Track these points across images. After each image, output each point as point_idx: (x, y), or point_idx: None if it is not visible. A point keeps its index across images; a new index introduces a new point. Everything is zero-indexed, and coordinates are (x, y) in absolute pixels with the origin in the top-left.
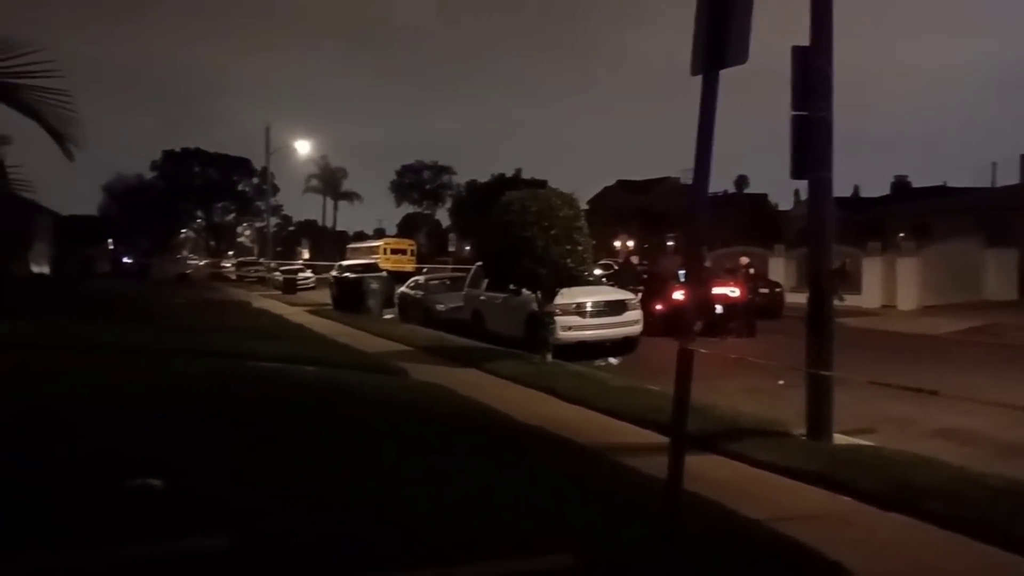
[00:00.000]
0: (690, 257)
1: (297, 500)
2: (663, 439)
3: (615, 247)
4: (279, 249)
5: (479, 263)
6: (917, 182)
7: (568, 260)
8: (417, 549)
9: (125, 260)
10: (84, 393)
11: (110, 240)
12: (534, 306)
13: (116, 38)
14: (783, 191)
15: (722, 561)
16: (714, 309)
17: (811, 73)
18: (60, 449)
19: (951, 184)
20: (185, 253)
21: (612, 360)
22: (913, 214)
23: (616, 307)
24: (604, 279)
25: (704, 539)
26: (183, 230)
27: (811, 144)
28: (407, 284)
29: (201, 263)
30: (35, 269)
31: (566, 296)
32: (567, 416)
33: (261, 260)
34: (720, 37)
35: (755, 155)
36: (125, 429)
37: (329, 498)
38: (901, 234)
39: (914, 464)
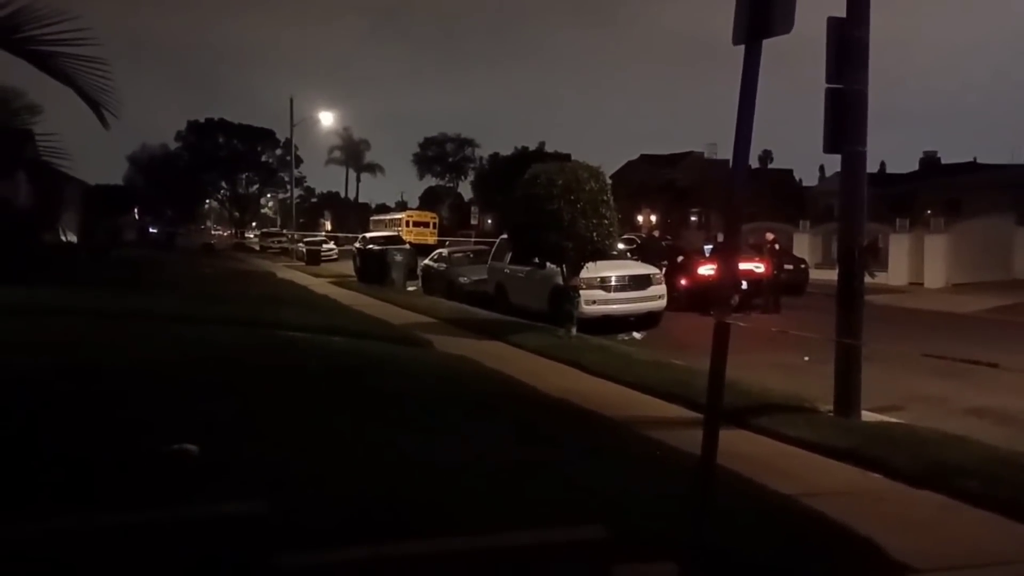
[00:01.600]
0: (728, 231)
1: (329, 467)
2: (689, 413)
3: (638, 222)
4: (302, 221)
5: (503, 236)
6: (947, 158)
7: (594, 234)
8: (447, 518)
9: (151, 230)
10: (119, 359)
11: (136, 210)
12: (558, 280)
13: (143, 8)
14: (808, 166)
15: (753, 535)
16: (740, 285)
17: (847, 44)
18: (96, 413)
19: (982, 160)
20: (209, 223)
21: (636, 334)
22: (942, 190)
23: (641, 281)
24: (628, 253)
25: (734, 513)
26: (207, 200)
27: (846, 118)
28: (431, 257)
29: (225, 233)
30: (65, 237)
31: (591, 270)
32: (593, 389)
33: (284, 231)
34: (764, 5)
35: (779, 129)
36: (159, 395)
37: (360, 466)
38: (929, 211)
39: (946, 442)
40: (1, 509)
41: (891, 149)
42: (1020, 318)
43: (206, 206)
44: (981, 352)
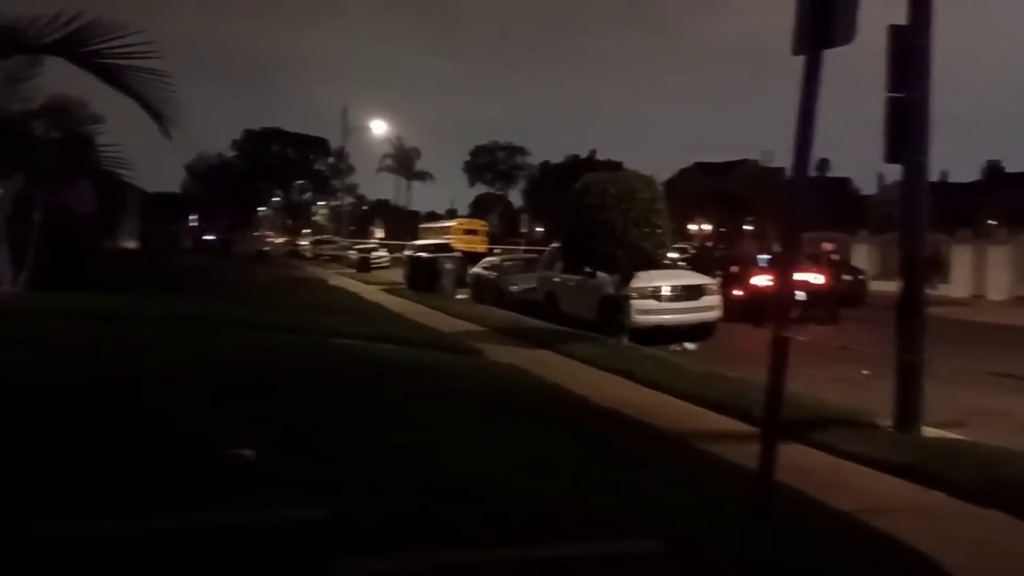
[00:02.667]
0: (788, 242)
1: (386, 475)
2: (744, 426)
3: (689, 231)
4: (353, 228)
5: (554, 244)
6: (1012, 167)
7: (646, 243)
8: (503, 526)
9: (206, 237)
10: (176, 364)
11: (192, 217)
12: (609, 289)
13: (198, 18)
14: (866, 174)
15: (809, 550)
16: (797, 296)
17: (908, 53)
18: (154, 417)
19: None
20: (263, 230)
21: (689, 345)
22: (1006, 200)
23: (694, 292)
24: (681, 263)
25: (790, 528)
26: (261, 208)
27: (906, 127)
28: (481, 264)
29: (278, 240)
30: (124, 244)
31: (643, 279)
32: (645, 400)
33: (336, 239)
34: (826, 14)
35: (837, 137)
36: (215, 400)
37: (417, 474)
38: (992, 221)
39: (1011, 459)
40: (63, 510)
41: (953, 157)
42: None
43: (260, 213)
44: None
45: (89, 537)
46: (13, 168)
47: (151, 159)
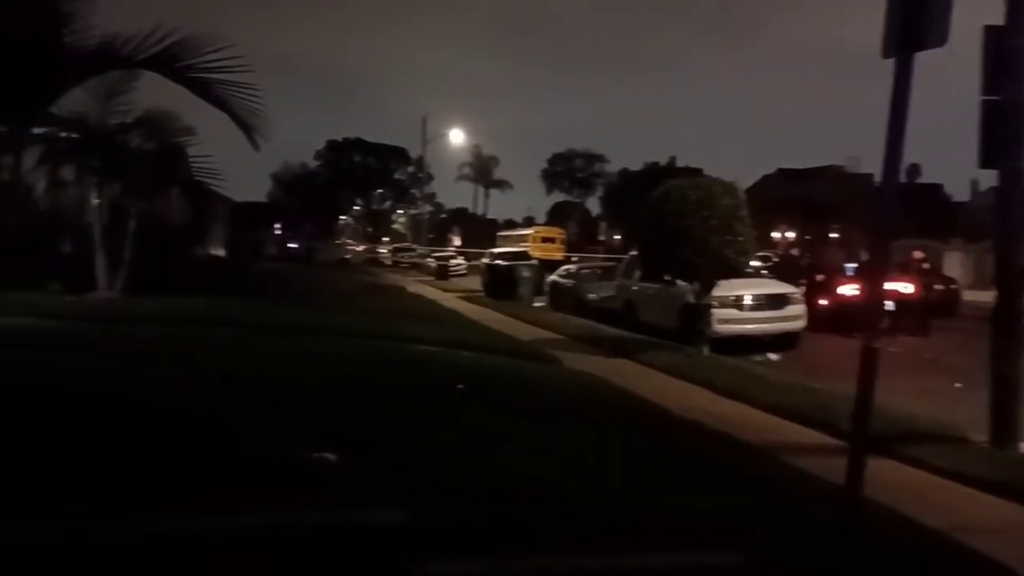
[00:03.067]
0: (875, 249)
1: (466, 480)
2: (829, 439)
3: (773, 238)
4: (431, 236)
5: (633, 252)
6: None
7: (728, 251)
8: (583, 535)
9: (290, 244)
10: (262, 368)
11: (276, 225)
12: (689, 297)
13: (282, 31)
14: (959, 180)
15: (897, 568)
16: (886, 306)
17: (1005, 54)
18: (240, 420)
19: None
20: (344, 238)
21: (772, 356)
22: None
23: (777, 301)
24: (764, 271)
25: (878, 545)
26: (343, 216)
27: (1003, 131)
28: (558, 272)
29: (359, 248)
30: (213, 251)
31: (724, 288)
32: (726, 411)
33: (415, 246)
34: (917, 16)
35: (928, 141)
36: (299, 403)
37: (495, 480)
38: None
39: None
40: (149, 507)
41: None
42: None
43: (342, 222)
44: None
45: (172, 534)
46: (110, 178)
47: (239, 169)
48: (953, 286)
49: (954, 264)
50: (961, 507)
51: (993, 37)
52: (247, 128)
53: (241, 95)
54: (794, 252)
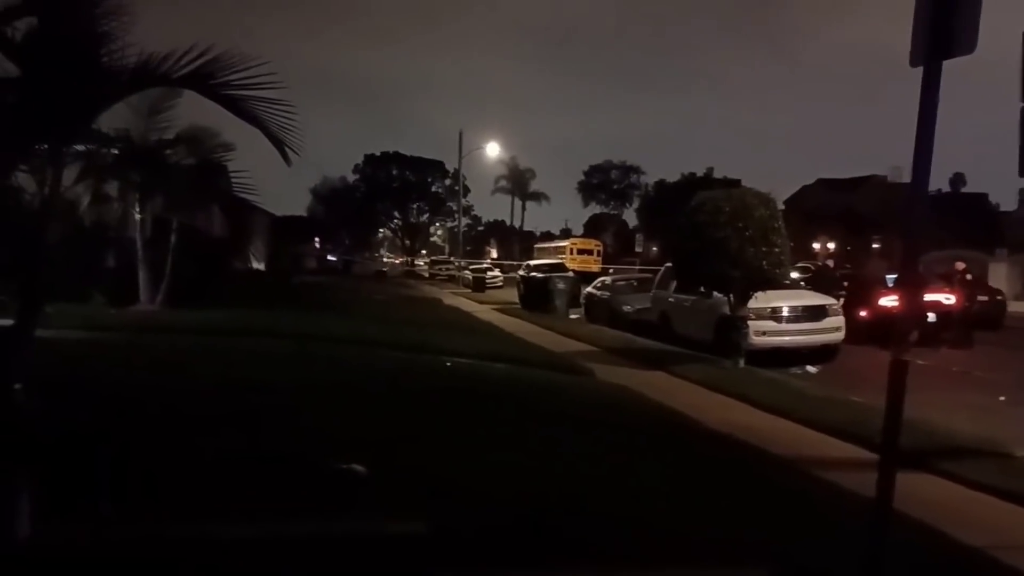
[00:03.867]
0: (906, 261)
1: (495, 491)
2: (866, 454)
3: (814, 249)
4: (468, 248)
5: (668, 264)
6: None
7: (763, 262)
8: (611, 548)
9: (329, 257)
10: (296, 378)
11: (316, 238)
12: (725, 309)
13: (316, 45)
14: (1005, 190)
15: None
16: (925, 318)
17: None
18: (271, 430)
19: None
20: (382, 251)
21: (810, 368)
22: None
23: (815, 312)
24: (802, 283)
25: (912, 562)
26: (380, 229)
27: None
28: (593, 284)
29: (396, 261)
30: (253, 265)
31: (761, 300)
32: (761, 424)
33: (452, 259)
34: (946, 24)
35: (973, 151)
36: (331, 414)
37: (525, 492)
38: None
39: None
40: (178, 514)
41: None
42: None
43: (380, 235)
44: None
45: (203, 541)
46: (152, 194)
47: (280, 184)
48: (999, 297)
49: (1000, 275)
50: (1002, 524)
51: None
52: (278, 143)
53: (273, 111)
54: (829, 263)
